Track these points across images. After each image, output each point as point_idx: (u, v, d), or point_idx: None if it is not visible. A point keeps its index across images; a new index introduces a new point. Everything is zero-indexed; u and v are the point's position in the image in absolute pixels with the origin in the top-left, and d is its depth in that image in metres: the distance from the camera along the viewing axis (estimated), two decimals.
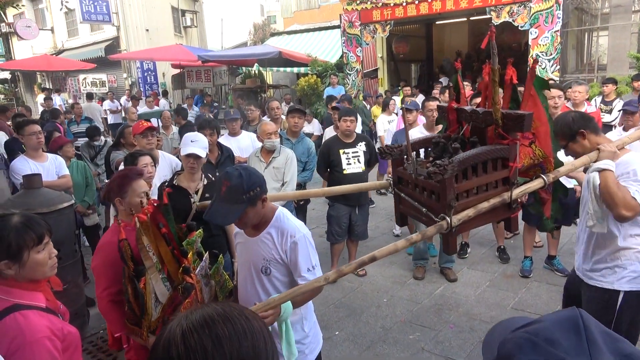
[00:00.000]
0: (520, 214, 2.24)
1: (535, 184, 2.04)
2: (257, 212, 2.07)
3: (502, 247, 5.16)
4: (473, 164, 1.87)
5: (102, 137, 6.88)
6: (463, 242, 5.39)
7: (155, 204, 2.24)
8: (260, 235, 2.16)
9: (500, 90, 1.97)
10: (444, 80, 12.87)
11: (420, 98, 8.66)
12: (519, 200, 2.05)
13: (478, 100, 5.92)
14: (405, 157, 2.15)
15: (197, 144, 3.26)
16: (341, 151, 4.75)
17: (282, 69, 15.37)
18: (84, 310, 4.02)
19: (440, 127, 4.76)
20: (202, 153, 3.26)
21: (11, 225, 1.71)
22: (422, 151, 2.32)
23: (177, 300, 2.19)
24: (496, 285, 4.56)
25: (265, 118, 6.12)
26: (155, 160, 3.43)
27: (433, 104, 4.77)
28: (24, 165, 4.42)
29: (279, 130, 4.74)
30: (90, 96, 13.86)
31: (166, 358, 0.77)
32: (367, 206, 5.05)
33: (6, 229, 1.69)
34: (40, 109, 12.67)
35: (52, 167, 4.56)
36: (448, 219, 1.83)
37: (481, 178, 1.92)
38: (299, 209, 4.90)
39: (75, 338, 1.85)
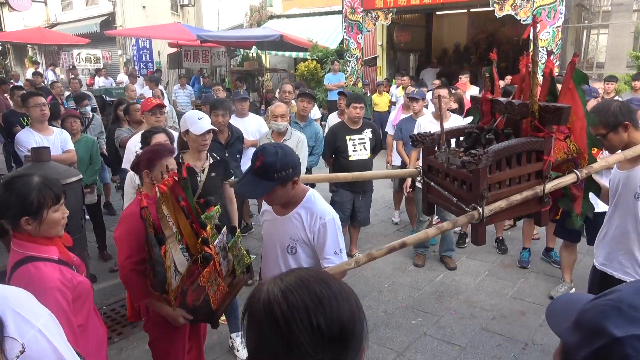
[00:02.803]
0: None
1: (568, 178, 2.06)
2: (286, 192, 2.09)
3: (500, 238, 5.25)
4: (507, 156, 1.89)
5: (89, 111, 6.78)
6: (462, 232, 5.47)
7: (175, 177, 2.26)
8: (290, 214, 2.19)
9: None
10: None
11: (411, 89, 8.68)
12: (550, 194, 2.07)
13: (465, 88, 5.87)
14: (437, 146, 2.17)
15: (205, 119, 3.23)
16: (347, 137, 4.77)
17: (280, 52, 15.21)
18: None
19: (450, 115, 4.81)
20: (212, 126, 3.28)
21: (33, 184, 1.82)
22: (452, 141, 2.34)
23: (195, 272, 2.23)
24: (495, 274, 4.65)
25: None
26: (170, 139, 3.41)
27: (444, 92, 4.80)
28: (29, 138, 4.37)
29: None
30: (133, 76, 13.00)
31: (269, 316, 0.79)
32: (370, 193, 5.10)
33: (29, 188, 1.80)
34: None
35: (57, 141, 4.52)
36: (480, 209, 1.86)
37: (514, 170, 1.94)
38: None
39: (86, 288, 1.95)
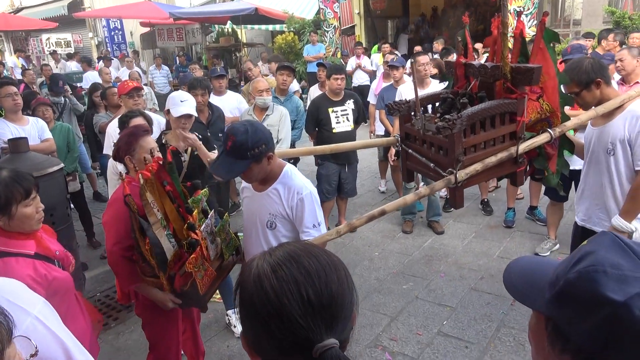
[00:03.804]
0: None
1: (542, 138, 2.09)
2: (262, 169, 2.09)
3: (485, 200, 5.34)
4: (481, 119, 1.92)
5: (62, 98, 6.62)
6: (448, 197, 5.55)
7: (160, 162, 2.24)
8: (267, 190, 2.20)
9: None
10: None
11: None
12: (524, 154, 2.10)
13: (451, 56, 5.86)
14: (413, 113, 2.18)
15: (187, 103, 3.21)
16: (330, 110, 4.75)
17: (256, 26, 14.92)
18: (80, 274, 4.01)
19: (430, 82, 4.81)
20: (194, 112, 3.24)
21: (0, 179, 1.80)
22: (429, 107, 2.35)
23: (183, 257, 2.22)
24: (482, 235, 4.76)
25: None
26: (148, 121, 3.36)
27: (424, 59, 4.79)
28: (3, 129, 4.26)
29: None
30: (88, 61, 11.96)
31: (260, 291, 0.81)
32: (356, 164, 5.12)
33: None
34: None
35: (33, 131, 4.41)
36: (456, 173, 1.89)
37: (489, 133, 1.97)
38: None
39: (64, 282, 1.93)
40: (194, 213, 2.28)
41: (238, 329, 3.43)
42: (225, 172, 2.09)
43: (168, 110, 3.20)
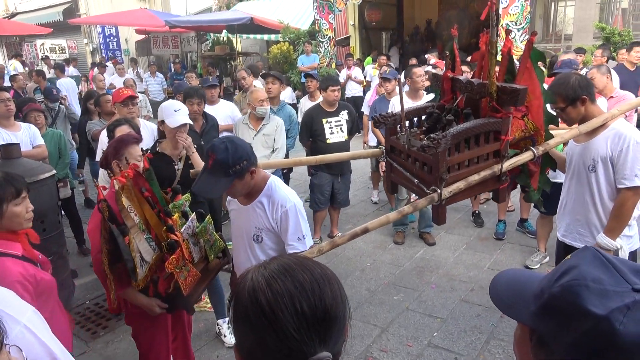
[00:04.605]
0: None
1: (525, 156, 2.11)
2: (245, 184, 2.09)
3: (476, 212, 5.38)
4: (466, 137, 1.93)
5: (57, 104, 6.61)
6: None
7: (136, 169, 2.24)
8: (252, 203, 2.20)
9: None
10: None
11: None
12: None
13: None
14: (399, 127, 2.20)
15: (181, 112, 3.22)
16: (324, 120, 4.78)
17: (252, 35, 15.00)
18: (69, 282, 3.98)
19: (423, 94, 4.86)
20: (189, 120, 3.26)
21: None
22: (415, 120, 2.37)
23: (166, 261, 2.23)
24: (472, 247, 4.78)
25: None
26: (135, 129, 3.38)
27: (421, 71, 4.84)
28: None
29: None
30: (61, 67, 11.13)
31: (254, 303, 0.82)
32: (349, 174, 5.14)
33: None
34: None
35: (25, 137, 4.39)
36: (439, 192, 1.90)
37: (473, 151, 1.98)
38: (283, 177, 4.94)
39: (49, 285, 1.99)
40: (174, 217, 2.28)
41: (228, 338, 3.42)
42: (208, 190, 2.07)
43: (162, 121, 3.20)
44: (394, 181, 2.36)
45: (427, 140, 1.81)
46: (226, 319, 3.48)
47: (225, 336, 3.43)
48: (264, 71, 6.39)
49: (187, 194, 2.45)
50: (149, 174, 2.26)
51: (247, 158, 2.02)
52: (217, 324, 3.51)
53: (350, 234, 1.93)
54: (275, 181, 2.23)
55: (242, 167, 2.00)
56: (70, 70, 13.57)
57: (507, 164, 2.07)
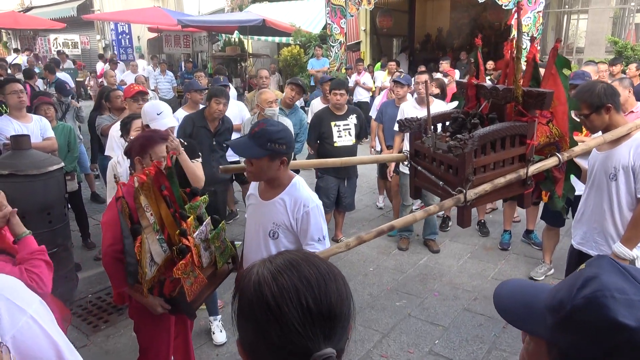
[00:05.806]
0: None
1: (551, 161, 2.11)
2: (271, 168, 2.10)
3: (482, 221, 5.35)
4: (492, 140, 1.94)
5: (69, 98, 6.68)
6: (445, 216, 5.56)
7: (159, 166, 2.25)
8: (274, 199, 2.21)
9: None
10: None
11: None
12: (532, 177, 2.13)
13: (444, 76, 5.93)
14: (424, 130, 2.21)
15: (165, 114, 3.12)
16: (332, 123, 4.78)
17: (263, 37, 15.05)
18: (73, 275, 4.00)
19: (432, 100, 4.85)
20: (175, 122, 3.20)
21: None
22: (439, 126, 2.38)
23: (177, 263, 2.23)
24: (477, 256, 4.76)
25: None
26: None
27: (422, 78, 4.84)
28: (7, 126, 4.28)
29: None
30: (50, 69, 10.24)
31: (259, 297, 0.81)
32: (355, 179, 5.14)
33: None
34: None
35: (36, 129, 4.43)
36: (465, 193, 1.90)
37: (499, 154, 1.99)
38: None
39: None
40: (188, 220, 2.28)
41: (217, 336, 3.41)
42: (240, 149, 2.16)
43: (147, 125, 3.09)
44: (418, 185, 2.37)
45: (454, 140, 1.81)
46: (218, 317, 3.47)
47: (214, 333, 3.42)
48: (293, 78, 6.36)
49: (204, 196, 2.45)
50: (170, 172, 2.26)
51: (287, 144, 2.07)
52: (209, 321, 3.50)
53: (377, 231, 1.95)
54: (299, 181, 2.25)
55: (280, 149, 2.04)
56: (67, 64, 13.48)
57: (533, 169, 2.08)
